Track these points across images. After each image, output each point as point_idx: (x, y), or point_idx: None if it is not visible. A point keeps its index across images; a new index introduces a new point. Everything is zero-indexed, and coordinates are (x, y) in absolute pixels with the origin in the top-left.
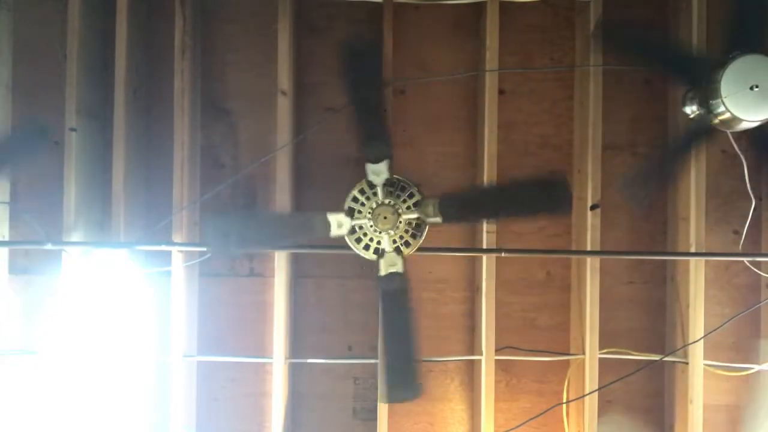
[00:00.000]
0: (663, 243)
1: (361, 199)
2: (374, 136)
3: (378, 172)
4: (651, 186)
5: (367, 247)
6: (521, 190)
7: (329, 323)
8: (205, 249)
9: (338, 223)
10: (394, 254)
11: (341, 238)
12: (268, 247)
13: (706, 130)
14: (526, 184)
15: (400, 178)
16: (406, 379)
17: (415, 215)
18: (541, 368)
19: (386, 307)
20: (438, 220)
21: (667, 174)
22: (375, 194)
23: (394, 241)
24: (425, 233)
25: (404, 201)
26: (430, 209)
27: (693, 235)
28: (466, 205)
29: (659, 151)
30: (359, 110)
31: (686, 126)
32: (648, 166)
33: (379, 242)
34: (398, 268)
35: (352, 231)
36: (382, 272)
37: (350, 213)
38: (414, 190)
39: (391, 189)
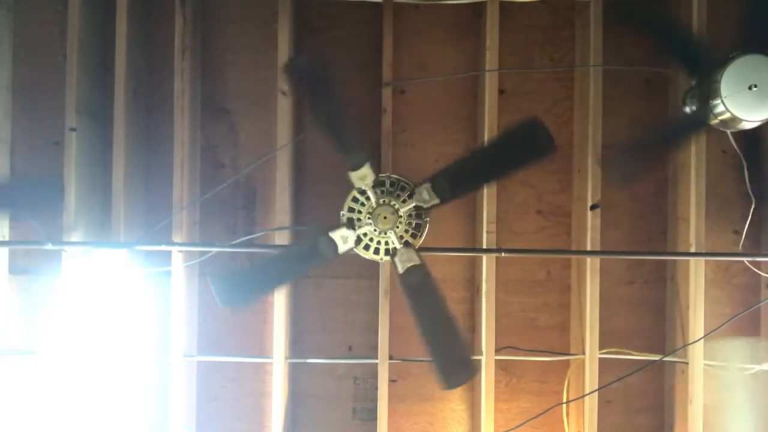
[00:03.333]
0: (663, 243)
1: (357, 205)
2: (346, 144)
3: (363, 177)
4: (635, 163)
5: (377, 251)
6: (503, 145)
7: (329, 323)
8: (208, 252)
9: (343, 239)
10: (405, 249)
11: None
12: (281, 285)
13: (701, 123)
14: (505, 138)
15: (388, 176)
16: (459, 363)
17: (412, 204)
18: (541, 368)
19: (415, 302)
20: (436, 201)
21: (654, 156)
22: (368, 198)
23: (402, 237)
24: (428, 225)
25: (398, 196)
26: (426, 194)
27: (693, 235)
28: (458, 178)
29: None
30: (323, 125)
31: (684, 116)
32: (638, 145)
33: (387, 242)
34: (415, 260)
35: (359, 241)
36: (401, 269)
37: (351, 224)
38: (405, 183)
39: (383, 188)
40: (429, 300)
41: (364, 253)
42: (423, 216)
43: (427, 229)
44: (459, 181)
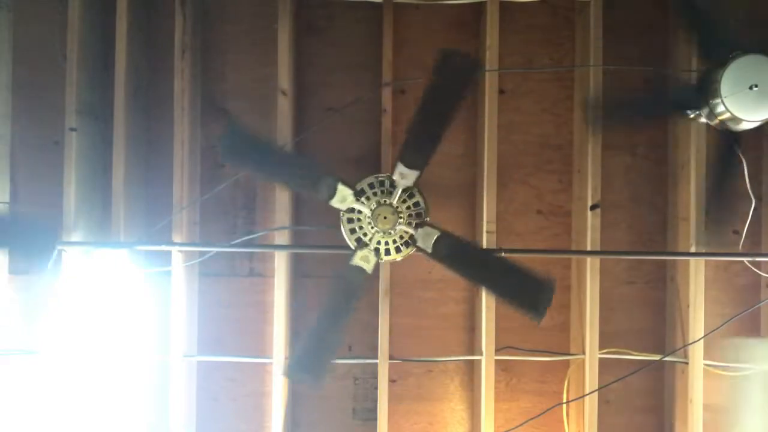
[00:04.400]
0: (663, 243)
1: (376, 189)
2: (425, 145)
3: (405, 176)
4: (619, 115)
5: (353, 232)
6: (511, 275)
7: None
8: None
9: (342, 197)
10: (372, 253)
11: (336, 211)
12: (273, 177)
13: (690, 99)
14: (518, 273)
15: (420, 193)
16: (314, 366)
17: (410, 233)
18: (541, 368)
19: (336, 294)
20: (427, 250)
21: (642, 116)
22: (390, 193)
23: (379, 243)
24: (408, 254)
25: (410, 215)
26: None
27: (693, 235)
28: (458, 257)
29: (657, 151)
30: (426, 116)
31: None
32: (628, 102)
33: (365, 234)
34: (368, 267)
35: (350, 211)
36: (352, 262)
37: (359, 195)
38: (424, 210)
39: (406, 198)
40: (345, 303)
41: (344, 224)
42: (408, 248)
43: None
44: (457, 260)
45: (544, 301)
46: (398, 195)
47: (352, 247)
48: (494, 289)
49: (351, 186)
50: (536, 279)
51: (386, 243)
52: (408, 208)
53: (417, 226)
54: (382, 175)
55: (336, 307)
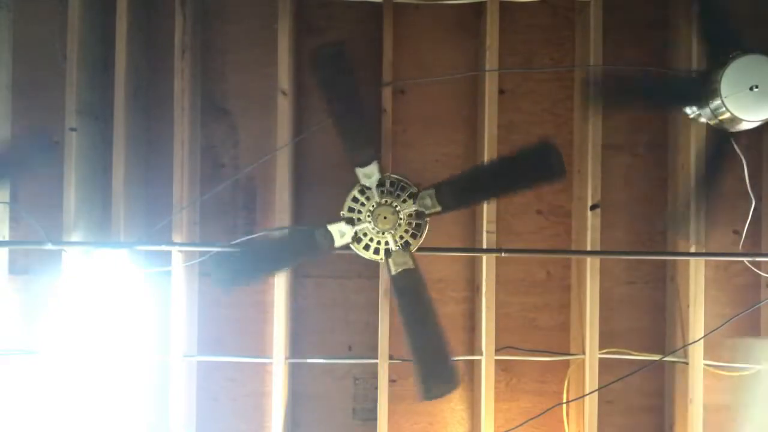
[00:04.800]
0: (663, 243)
1: (359, 203)
2: (358, 140)
3: (369, 174)
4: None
5: (376, 251)
6: (514, 163)
7: (329, 323)
8: (208, 253)
9: (340, 233)
10: (401, 251)
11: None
12: (275, 272)
13: (691, 91)
14: (517, 157)
15: (392, 176)
16: (442, 373)
17: (413, 208)
18: (541, 368)
19: (405, 305)
20: (437, 209)
21: (638, 103)
22: (368, 198)
23: (401, 238)
24: (427, 225)
25: (398, 196)
26: (428, 200)
27: (693, 235)
28: (462, 190)
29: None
30: (339, 117)
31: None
32: (628, 85)
33: (385, 243)
34: (409, 264)
35: (356, 238)
36: (394, 271)
37: (350, 221)
38: (408, 184)
39: (386, 188)
40: (420, 304)
41: (364, 252)
42: (422, 221)
43: (426, 231)
44: (463, 193)
45: (555, 159)
46: (376, 192)
47: (379, 261)
48: (512, 188)
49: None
50: (534, 148)
51: (370, 239)
52: (409, 224)
53: (413, 199)
54: (353, 189)
55: (416, 316)
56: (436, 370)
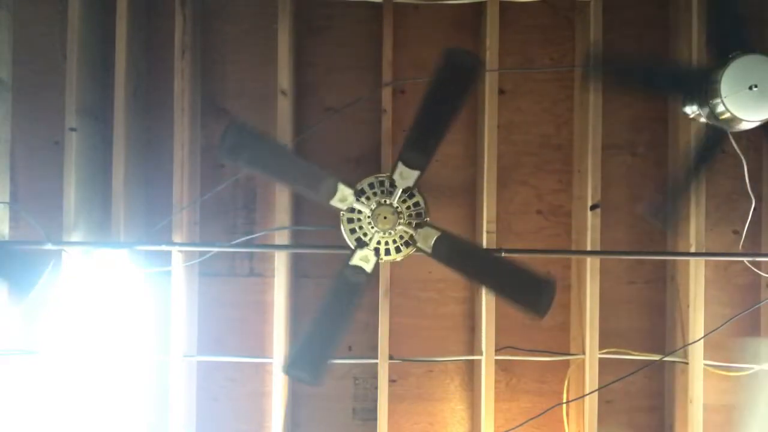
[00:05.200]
0: (663, 243)
1: (376, 189)
2: (426, 145)
3: (406, 177)
4: (617, 77)
5: (353, 232)
6: (512, 276)
7: None
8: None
9: (342, 197)
10: (371, 253)
11: (335, 212)
12: (273, 176)
13: (692, 81)
14: (518, 273)
15: (420, 193)
16: (312, 364)
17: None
18: (541, 368)
19: (335, 294)
20: (427, 251)
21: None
22: (390, 194)
23: (379, 242)
24: (408, 254)
25: (410, 215)
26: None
27: (693, 235)
28: (458, 256)
29: (657, 151)
30: (428, 115)
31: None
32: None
33: (365, 234)
34: (368, 267)
35: (350, 211)
36: (351, 261)
37: (359, 194)
38: (424, 210)
39: (406, 198)
40: (346, 303)
41: (344, 224)
42: (408, 248)
43: (408, 255)
44: (458, 260)
45: (546, 300)
46: (398, 195)
47: (352, 247)
48: (495, 288)
49: (351, 186)
50: (537, 278)
51: (386, 243)
52: (408, 208)
53: (417, 226)
54: (382, 175)
55: (335, 306)
56: (309, 361)
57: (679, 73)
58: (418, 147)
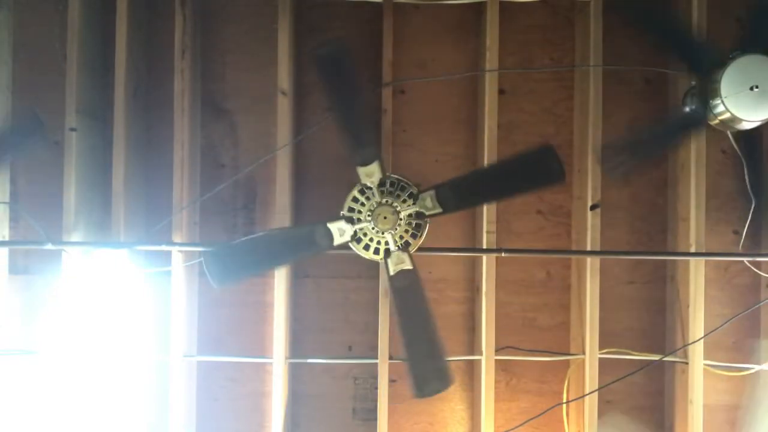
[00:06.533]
0: (663, 243)
1: (359, 203)
2: (360, 139)
3: (370, 174)
4: (628, 158)
5: (376, 251)
6: (514, 167)
7: (329, 323)
8: (206, 258)
9: (340, 232)
10: (400, 252)
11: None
12: (272, 268)
13: (699, 122)
14: (518, 160)
15: (393, 176)
16: (435, 372)
17: (414, 209)
18: (541, 368)
19: (402, 305)
20: (438, 210)
21: (647, 153)
22: (368, 198)
23: (400, 238)
24: (427, 226)
25: (398, 196)
26: (429, 201)
27: (693, 235)
28: (463, 192)
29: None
30: (341, 116)
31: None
32: (636, 142)
33: (384, 243)
34: (407, 264)
35: (356, 237)
36: (392, 271)
37: (350, 219)
38: (409, 184)
39: (387, 188)
40: (416, 306)
41: (363, 252)
42: (422, 222)
43: (426, 232)
44: (464, 195)
45: (555, 165)
46: (377, 192)
47: (379, 261)
48: (511, 190)
49: (338, 217)
50: (535, 153)
51: (370, 239)
52: (409, 224)
53: (414, 200)
54: (354, 189)
55: (411, 317)
56: (430, 369)
57: (682, 118)
58: (357, 144)
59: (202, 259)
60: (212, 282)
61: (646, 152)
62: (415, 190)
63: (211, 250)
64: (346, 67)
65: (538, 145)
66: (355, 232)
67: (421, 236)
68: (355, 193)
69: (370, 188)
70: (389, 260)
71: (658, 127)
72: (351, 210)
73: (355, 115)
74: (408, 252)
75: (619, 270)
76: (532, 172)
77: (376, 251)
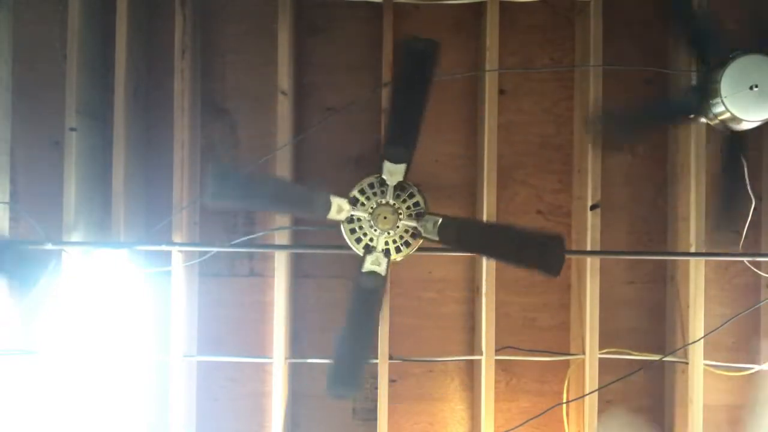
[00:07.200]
0: (663, 243)
1: (369, 193)
2: (404, 137)
3: (393, 173)
4: (623, 130)
5: (359, 240)
6: (521, 239)
7: (329, 323)
8: (205, 196)
9: (338, 208)
10: (381, 255)
11: (337, 226)
12: (266, 209)
13: (692, 104)
14: (525, 235)
15: (411, 184)
16: (350, 378)
17: (414, 225)
18: (541, 368)
19: (356, 304)
20: (434, 237)
21: (641, 126)
22: (383, 193)
23: (386, 243)
24: (417, 246)
25: (408, 208)
26: (430, 225)
27: (693, 235)
28: (464, 235)
29: (657, 151)
30: (399, 108)
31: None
32: (630, 115)
33: (371, 239)
34: (381, 269)
35: (350, 220)
36: (365, 269)
37: (353, 202)
38: (421, 200)
39: (400, 193)
40: (369, 310)
41: (348, 234)
42: (416, 240)
43: (413, 251)
44: (464, 238)
45: (557, 258)
46: (391, 192)
47: (360, 254)
48: (507, 257)
49: (344, 196)
50: (544, 237)
51: (393, 241)
52: (404, 201)
53: (418, 217)
54: (371, 177)
55: (358, 316)
56: (348, 373)
57: (677, 101)
58: (398, 141)
59: (205, 183)
60: (206, 196)
61: (641, 125)
62: (423, 210)
63: (219, 169)
64: (429, 67)
65: (552, 234)
66: (352, 216)
67: (406, 252)
68: (372, 179)
69: (384, 185)
70: (368, 257)
71: (655, 104)
72: (361, 193)
73: (411, 113)
74: (389, 258)
75: (619, 270)
76: (534, 253)
77: (359, 240)
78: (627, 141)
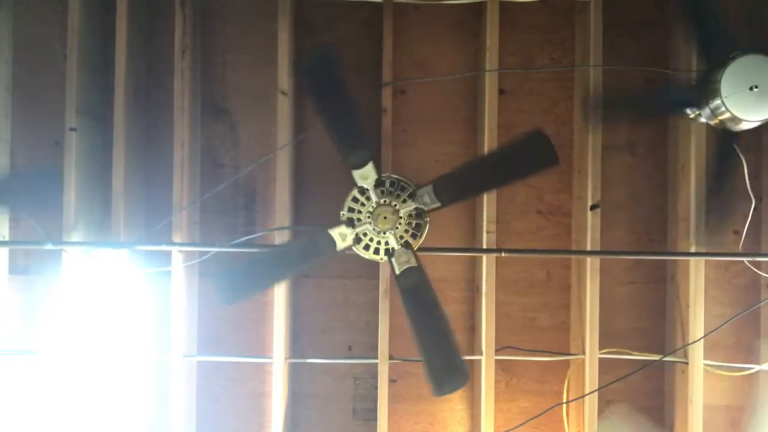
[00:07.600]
0: (663, 243)
1: (357, 205)
2: (350, 141)
3: (365, 176)
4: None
5: (377, 251)
6: (508, 154)
7: (329, 323)
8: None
9: (341, 236)
10: (403, 250)
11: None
12: (281, 281)
13: (690, 98)
14: (510, 148)
15: (391, 176)
16: (452, 370)
17: (413, 206)
18: (541, 368)
19: (410, 304)
20: (437, 205)
21: (639, 110)
22: (368, 198)
23: (401, 237)
24: (427, 226)
25: (398, 196)
26: (427, 197)
27: (693, 235)
28: (460, 183)
29: (657, 151)
30: (330, 120)
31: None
32: (626, 96)
33: (386, 243)
34: (412, 262)
35: (357, 240)
36: (398, 270)
37: (350, 223)
38: (407, 184)
39: (384, 188)
40: (424, 303)
41: (364, 253)
42: (423, 217)
43: (427, 229)
44: (461, 186)
45: (548, 147)
46: (375, 193)
47: (380, 261)
48: (509, 177)
49: (338, 222)
50: (527, 138)
51: (370, 239)
52: (409, 224)
53: (412, 197)
54: (352, 192)
55: (421, 313)
56: (446, 366)
57: (676, 91)
58: (348, 147)
59: (211, 279)
60: (223, 302)
61: (638, 109)
62: (413, 189)
63: (221, 272)
64: (332, 73)
65: (530, 131)
66: (357, 235)
67: (421, 236)
68: (355, 193)
69: (366, 191)
70: (394, 259)
71: (655, 90)
72: (351, 210)
73: (343, 120)
74: (412, 249)
75: (619, 270)
76: (527, 157)
77: (377, 251)
78: (623, 121)
